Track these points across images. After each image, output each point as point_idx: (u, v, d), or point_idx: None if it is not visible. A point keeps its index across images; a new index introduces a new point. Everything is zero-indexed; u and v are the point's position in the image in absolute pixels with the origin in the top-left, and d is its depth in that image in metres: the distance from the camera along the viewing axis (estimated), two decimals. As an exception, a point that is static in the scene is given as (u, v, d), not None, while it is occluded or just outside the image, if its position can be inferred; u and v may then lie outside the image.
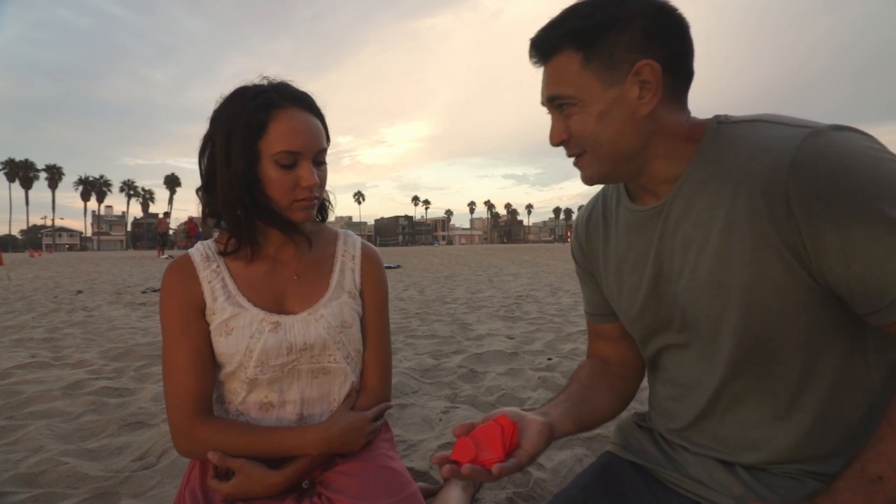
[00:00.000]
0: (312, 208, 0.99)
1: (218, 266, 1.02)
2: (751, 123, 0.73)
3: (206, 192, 0.99)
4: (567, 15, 0.74)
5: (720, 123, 0.76)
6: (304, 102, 0.97)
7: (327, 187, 1.05)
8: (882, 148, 0.65)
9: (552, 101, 0.76)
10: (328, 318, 1.03)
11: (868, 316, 0.66)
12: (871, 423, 0.73)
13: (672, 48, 0.72)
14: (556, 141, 0.78)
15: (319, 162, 0.98)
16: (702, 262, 0.75)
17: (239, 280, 1.02)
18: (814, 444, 0.75)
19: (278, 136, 0.92)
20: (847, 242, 0.62)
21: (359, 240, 1.18)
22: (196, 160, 1.00)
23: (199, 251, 1.03)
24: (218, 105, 0.96)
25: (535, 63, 0.78)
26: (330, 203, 1.12)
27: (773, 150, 0.67)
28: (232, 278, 1.02)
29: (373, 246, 1.18)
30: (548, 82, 0.76)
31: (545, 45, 0.75)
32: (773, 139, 0.68)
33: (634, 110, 0.72)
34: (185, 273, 1.01)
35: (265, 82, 0.97)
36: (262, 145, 0.92)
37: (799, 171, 0.64)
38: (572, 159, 0.81)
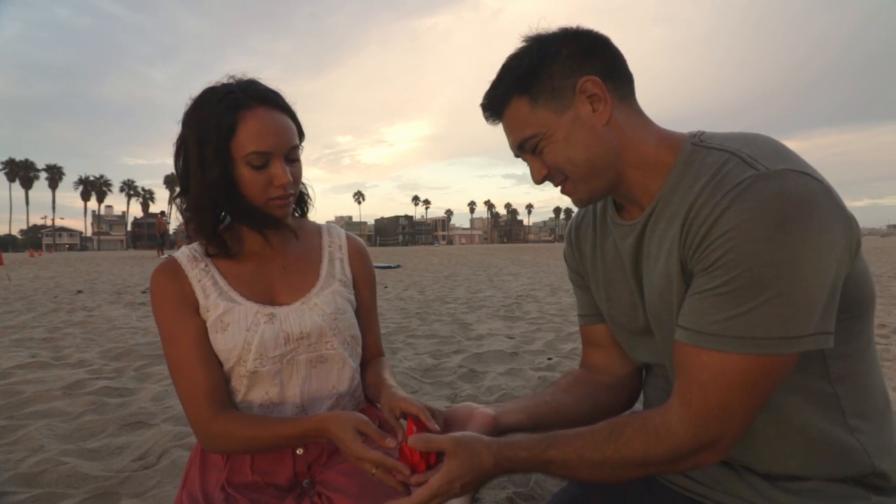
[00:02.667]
0: (288, 206, 0.99)
1: (206, 265, 1.02)
2: (721, 153, 0.74)
3: (184, 195, 0.99)
4: (502, 73, 0.81)
5: (695, 145, 0.78)
6: (272, 101, 0.96)
7: (304, 181, 1.06)
8: (813, 210, 0.64)
9: (521, 146, 0.83)
10: (322, 307, 1.04)
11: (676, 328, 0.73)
12: (847, 427, 0.74)
13: (601, 59, 0.78)
14: (538, 178, 0.84)
15: (292, 159, 0.98)
16: (655, 277, 0.79)
17: (228, 277, 1.02)
18: (798, 458, 0.75)
19: (247, 137, 0.92)
20: (700, 281, 0.70)
21: (343, 231, 1.19)
22: None
23: (185, 253, 1.03)
24: (188, 108, 0.96)
25: (493, 122, 0.85)
26: (309, 197, 1.13)
27: (716, 192, 0.69)
28: (221, 275, 1.02)
29: (357, 237, 1.20)
30: (510, 132, 0.83)
31: (495, 104, 0.83)
32: (727, 175, 0.69)
33: (593, 124, 0.77)
34: (173, 274, 1.01)
35: (233, 81, 0.97)
36: (232, 147, 0.92)
37: (717, 214, 0.67)
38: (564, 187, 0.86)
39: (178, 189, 1.00)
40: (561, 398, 0.97)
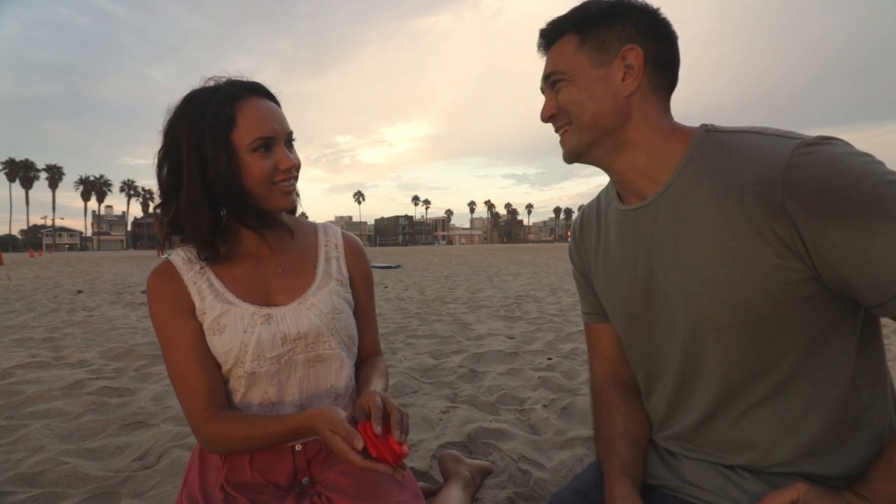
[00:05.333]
0: (293, 192, 1.00)
1: (201, 267, 1.02)
2: (741, 134, 0.76)
3: (167, 206, 0.97)
4: (573, 9, 0.84)
5: (708, 131, 0.80)
6: (261, 91, 0.98)
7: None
8: (864, 153, 0.68)
9: (548, 78, 0.85)
10: (319, 306, 1.03)
11: (876, 307, 0.68)
12: (863, 420, 0.75)
13: (658, 46, 0.80)
14: (545, 115, 0.87)
15: (291, 145, 1.00)
16: (693, 260, 0.78)
17: (224, 279, 1.02)
18: (805, 444, 0.76)
19: (248, 125, 0.92)
20: (847, 238, 0.65)
21: (339, 230, 1.19)
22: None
23: (181, 255, 1.03)
24: (171, 115, 0.95)
25: (542, 51, 0.87)
26: (297, 194, 1.12)
27: (767, 157, 0.71)
28: (217, 277, 1.02)
29: (353, 235, 1.20)
30: (547, 63, 0.86)
31: (551, 33, 0.85)
32: (767, 148, 0.72)
33: (617, 90, 0.80)
34: (169, 277, 1.00)
35: (212, 83, 0.97)
36: (234, 138, 0.92)
37: (793, 175, 0.68)
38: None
39: (159, 201, 0.98)
40: (632, 430, 0.92)
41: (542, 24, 0.86)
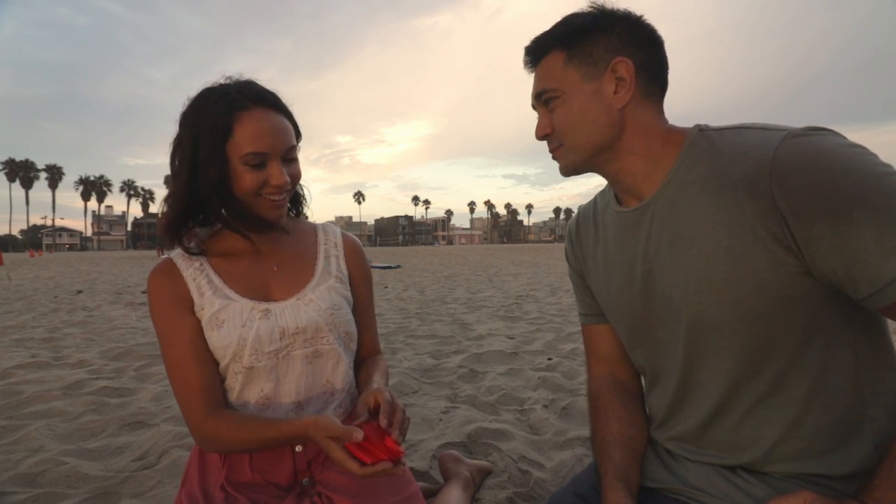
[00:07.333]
0: (282, 207, 0.99)
1: (201, 264, 1.03)
2: (732, 130, 0.77)
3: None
4: (556, 25, 0.84)
5: (701, 131, 0.80)
6: (268, 101, 0.96)
7: (301, 182, 1.06)
8: (856, 144, 0.68)
9: (539, 96, 0.85)
10: (317, 302, 1.04)
11: (864, 300, 0.67)
12: (865, 415, 0.74)
13: (646, 53, 0.80)
14: (540, 134, 0.87)
15: (290, 160, 0.98)
16: (689, 259, 0.78)
17: (223, 275, 1.03)
18: (807, 440, 0.76)
19: (244, 138, 0.92)
20: (835, 231, 0.65)
21: (338, 230, 1.20)
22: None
23: (181, 252, 1.04)
24: (184, 108, 0.96)
25: (529, 67, 0.87)
26: (304, 198, 1.14)
27: (754, 150, 0.71)
28: (216, 273, 1.03)
29: (352, 235, 1.21)
30: (536, 80, 0.86)
31: (536, 50, 0.85)
32: (754, 141, 0.72)
33: (610, 104, 0.80)
34: (169, 274, 1.01)
35: (230, 82, 0.97)
36: (228, 148, 0.92)
37: (780, 167, 0.68)
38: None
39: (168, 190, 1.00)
40: (627, 434, 0.92)
41: (528, 43, 0.85)
